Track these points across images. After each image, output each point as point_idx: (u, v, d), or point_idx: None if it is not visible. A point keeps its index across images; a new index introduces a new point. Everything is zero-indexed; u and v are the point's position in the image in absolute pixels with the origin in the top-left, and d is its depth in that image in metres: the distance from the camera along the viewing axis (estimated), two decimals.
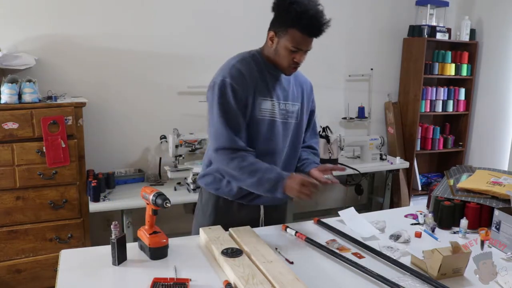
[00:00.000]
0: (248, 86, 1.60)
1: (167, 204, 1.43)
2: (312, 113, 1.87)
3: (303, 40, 1.55)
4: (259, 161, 1.59)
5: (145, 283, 1.30)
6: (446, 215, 1.81)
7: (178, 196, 2.82)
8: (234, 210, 1.77)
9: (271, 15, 1.64)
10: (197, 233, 1.70)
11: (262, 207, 1.79)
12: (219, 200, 1.76)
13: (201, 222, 1.81)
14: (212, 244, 1.48)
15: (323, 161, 3.37)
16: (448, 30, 3.98)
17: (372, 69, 3.95)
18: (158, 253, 1.47)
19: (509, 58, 3.87)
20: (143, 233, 1.50)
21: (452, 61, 4.04)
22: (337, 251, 1.55)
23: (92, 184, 2.67)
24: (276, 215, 1.84)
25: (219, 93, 1.57)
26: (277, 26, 1.58)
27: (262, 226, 1.79)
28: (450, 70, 4.01)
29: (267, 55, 1.66)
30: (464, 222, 1.73)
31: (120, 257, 1.42)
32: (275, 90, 1.67)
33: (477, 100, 4.15)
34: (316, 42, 3.99)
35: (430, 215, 1.82)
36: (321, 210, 3.95)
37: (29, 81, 2.54)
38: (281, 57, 1.61)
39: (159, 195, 1.45)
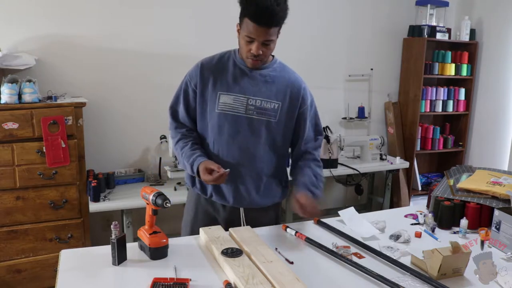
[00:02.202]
0: (204, 81, 1.68)
1: (167, 204, 1.43)
2: (301, 116, 1.76)
3: (254, 29, 1.53)
4: (187, 145, 1.69)
5: (145, 283, 1.30)
6: (446, 215, 1.81)
7: (178, 196, 2.82)
8: (215, 210, 1.78)
9: None
10: (185, 231, 1.80)
11: (242, 210, 1.77)
12: (200, 198, 1.79)
13: (185, 219, 1.85)
14: (212, 244, 1.48)
15: (323, 161, 3.36)
16: (448, 30, 3.98)
17: (372, 69, 3.94)
18: (158, 253, 1.47)
19: (509, 58, 3.87)
20: (143, 233, 1.50)
21: (452, 61, 4.04)
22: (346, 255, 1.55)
23: (92, 184, 2.67)
24: (261, 219, 1.79)
25: (180, 84, 1.76)
26: (239, 16, 1.59)
27: None
28: (450, 70, 4.01)
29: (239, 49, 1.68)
30: (464, 222, 1.73)
31: (120, 257, 1.42)
32: (243, 86, 1.66)
33: (477, 100, 4.15)
34: (316, 42, 3.98)
35: (430, 215, 1.82)
36: (321, 210, 3.94)
37: (29, 81, 2.54)
38: (241, 48, 1.63)
39: (159, 195, 1.45)
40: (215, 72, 1.68)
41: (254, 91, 1.67)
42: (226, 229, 1.63)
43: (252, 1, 1.51)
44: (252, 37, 1.55)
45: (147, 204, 1.50)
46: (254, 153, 1.70)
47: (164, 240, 1.48)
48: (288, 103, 1.71)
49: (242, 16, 1.56)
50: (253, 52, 1.57)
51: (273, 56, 1.74)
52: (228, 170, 1.58)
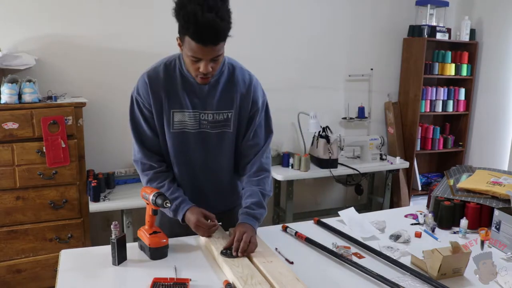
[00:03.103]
0: (156, 99, 1.54)
1: (167, 204, 1.43)
2: (252, 118, 1.63)
3: (198, 49, 1.37)
4: (165, 185, 1.59)
5: (145, 283, 1.30)
6: (446, 215, 1.81)
7: None
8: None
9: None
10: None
11: None
12: None
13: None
14: (212, 244, 1.48)
15: (323, 161, 3.38)
16: (448, 30, 3.98)
17: (372, 69, 3.94)
18: (158, 253, 1.47)
19: (509, 58, 3.87)
20: (143, 233, 1.50)
21: (452, 61, 4.04)
22: (345, 255, 1.55)
23: (92, 184, 2.67)
24: (232, 219, 1.66)
25: (130, 107, 1.59)
26: (178, 31, 1.42)
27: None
28: (450, 70, 4.01)
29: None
30: (464, 222, 1.73)
31: (120, 257, 1.42)
32: (193, 100, 1.55)
33: (477, 100, 4.15)
34: (316, 42, 3.97)
35: (430, 215, 1.82)
36: (321, 210, 3.95)
37: (29, 81, 2.54)
38: (187, 66, 1.48)
39: (159, 195, 1.45)
40: (164, 87, 1.54)
41: (205, 105, 1.56)
42: (195, 233, 1.60)
43: (191, 19, 1.32)
44: (198, 57, 1.40)
45: (147, 204, 1.50)
46: (215, 167, 1.64)
47: (164, 240, 1.48)
48: (239, 108, 1.60)
49: (182, 33, 1.38)
50: (202, 71, 1.43)
51: None
52: (220, 224, 1.54)
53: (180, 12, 1.36)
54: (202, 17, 1.31)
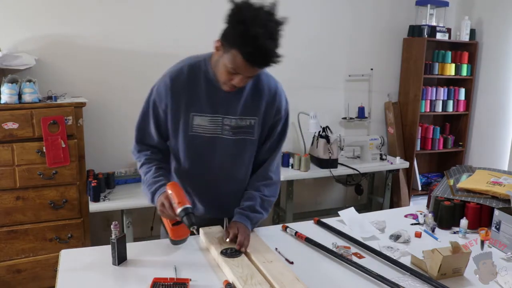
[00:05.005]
0: (175, 101, 1.53)
1: (193, 228, 1.37)
2: (273, 125, 1.61)
3: (244, 66, 1.35)
4: (150, 171, 1.58)
5: (145, 283, 1.30)
6: (446, 215, 1.81)
7: None
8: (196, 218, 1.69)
9: None
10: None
11: (226, 220, 1.69)
12: None
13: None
14: (212, 244, 1.48)
15: (323, 161, 3.38)
16: (448, 30, 3.98)
17: (372, 69, 3.94)
18: (179, 241, 1.51)
19: (509, 58, 3.87)
20: (166, 222, 1.51)
21: (452, 61, 4.04)
22: (345, 254, 1.55)
23: (92, 184, 2.67)
24: None
25: (145, 101, 1.60)
26: (224, 38, 1.39)
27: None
28: (450, 70, 4.01)
29: (213, 63, 1.50)
30: (464, 222, 1.73)
31: (120, 257, 1.42)
32: (216, 105, 1.53)
33: (477, 100, 4.15)
34: (316, 42, 3.97)
35: (430, 215, 1.82)
36: (321, 210, 3.95)
37: (29, 81, 2.54)
38: (219, 72, 1.45)
39: (188, 213, 1.38)
40: (186, 89, 1.52)
41: (228, 110, 1.53)
42: (193, 233, 1.58)
43: (249, 40, 1.29)
44: (238, 72, 1.38)
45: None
46: (234, 173, 1.62)
47: (186, 232, 1.49)
48: (264, 114, 1.58)
49: (231, 44, 1.35)
50: (234, 84, 1.42)
51: None
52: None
53: (238, 26, 1.32)
54: (263, 43, 1.30)
